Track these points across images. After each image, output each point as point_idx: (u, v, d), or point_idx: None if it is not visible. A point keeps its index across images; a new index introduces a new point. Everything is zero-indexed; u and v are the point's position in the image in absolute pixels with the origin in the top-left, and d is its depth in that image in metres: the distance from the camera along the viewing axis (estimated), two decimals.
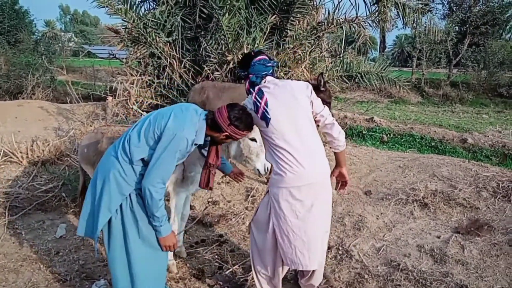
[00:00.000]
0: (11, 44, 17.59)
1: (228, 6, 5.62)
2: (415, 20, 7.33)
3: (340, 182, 3.05)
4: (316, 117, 2.79)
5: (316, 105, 2.79)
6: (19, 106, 7.50)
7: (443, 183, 4.90)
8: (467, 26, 22.46)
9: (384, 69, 6.99)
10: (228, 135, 2.61)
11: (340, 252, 3.90)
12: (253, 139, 3.17)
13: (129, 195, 2.58)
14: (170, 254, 3.65)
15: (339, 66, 7.07)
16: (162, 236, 2.61)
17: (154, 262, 2.69)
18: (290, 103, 2.72)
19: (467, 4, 22.60)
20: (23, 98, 9.30)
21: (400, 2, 6.74)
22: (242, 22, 6.02)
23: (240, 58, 5.82)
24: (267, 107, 2.65)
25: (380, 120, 9.05)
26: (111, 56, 7.24)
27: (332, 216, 3.69)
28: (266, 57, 2.84)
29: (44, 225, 4.41)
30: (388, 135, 8.26)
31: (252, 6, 6.25)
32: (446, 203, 4.50)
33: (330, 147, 2.92)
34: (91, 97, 7.92)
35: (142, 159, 2.56)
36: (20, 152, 5.83)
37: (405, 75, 7.57)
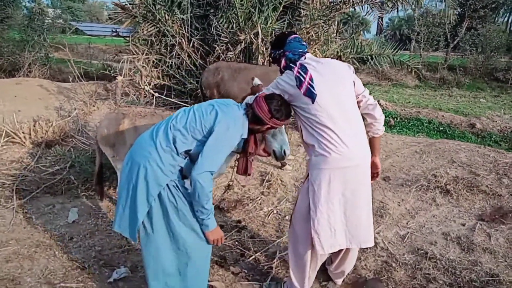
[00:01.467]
0: (1, 20, 16.96)
1: None
2: (419, 2, 7.14)
3: (372, 173, 2.87)
4: (358, 97, 2.69)
5: (358, 85, 2.70)
6: (17, 84, 7.19)
7: (463, 169, 4.82)
8: (465, 9, 22.28)
9: (396, 52, 6.82)
10: (270, 126, 2.59)
11: None
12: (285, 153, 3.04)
13: (167, 185, 2.46)
14: None
15: (350, 48, 6.89)
16: (209, 230, 2.50)
17: (201, 251, 2.60)
18: (335, 81, 2.60)
19: None
20: (19, 76, 8.95)
21: None
22: (255, 1, 5.79)
23: (251, 37, 5.64)
24: (312, 82, 2.52)
25: (386, 104, 8.93)
26: (114, 34, 6.94)
27: None
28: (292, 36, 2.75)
29: (54, 209, 4.24)
30: (395, 119, 8.15)
31: None
32: (468, 190, 4.42)
33: (368, 132, 2.79)
34: (94, 75, 7.61)
35: (186, 151, 2.46)
36: (23, 133, 5.59)
37: (413, 57, 7.40)
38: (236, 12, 5.60)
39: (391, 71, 17.77)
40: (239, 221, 4.17)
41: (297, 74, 2.56)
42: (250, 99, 2.75)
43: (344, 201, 2.61)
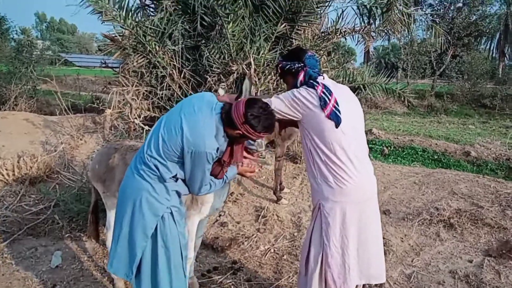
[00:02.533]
0: None
1: (232, 14, 5.32)
2: (401, 31, 7.17)
3: None
4: None
5: None
6: (2, 118, 6.97)
7: (465, 201, 4.67)
8: (450, 37, 22.82)
9: (389, 80, 6.77)
10: (242, 134, 2.26)
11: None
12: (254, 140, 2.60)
13: (162, 216, 2.35)
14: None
15: (342, 77, 6.83)
16: (236, 174, 2.63)
17: None
18: (353, 108, 2.51)
19: (450, 15, 22.97)
20: (5, 110, 8.72)
21: (405, 12, 6.57)
22: (246, 30, 5.72)
23: (244, 68, 5.54)
24: (338, 106, 2.37)
25: (378, 132, 8.86)
26: (103, 65, 6.81)
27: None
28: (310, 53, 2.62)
29: (37, 253, 3.95)
30: (389, 148, 8.07)
31: (256, 14, 5.96)
32: (472, 223, 4.26)
33: None
34: (79, 108, 7.43)
35: (173, 176, 2.34)
36: (6, 169, 5.33)
37: (405, 86, 7.40)
38: (227, 43, 5.51)
39: (380, 99, 17.94)
40: (234, 262, 3.93)
41: (322, 95, 2.39)
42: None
43: (358, 236, 2.48)
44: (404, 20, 6.49)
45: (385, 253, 3.86)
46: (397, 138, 8.64)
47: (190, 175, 2.32)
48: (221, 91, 2.96)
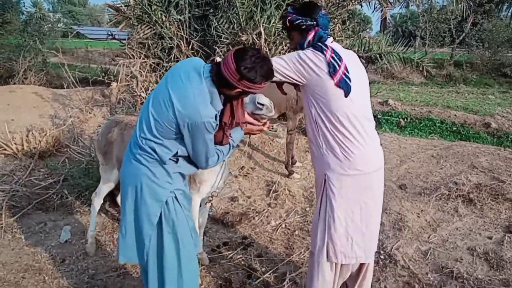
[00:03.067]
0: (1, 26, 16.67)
1: None
2: None
3: None
4: None
5: None
6: (11, 92, 6.91)
7: (485, 175, 4.48)
8: (470, 3, 21.86)
9: (406, 49, 6.47)
10: (242, 91, 2.06)
11: (382, 257, 3.48)
12: (261, 104, 2.40)
13: (166, 201, 2.21)
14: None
15: (357, 46, 6.54)
16: (243, 135, 2.46)
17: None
18: (362, 76, 2.33)
19: None
20: (14, 83, 8.66)
21: None
22: None
23: (254, 38, 5.30)
24: (348, 73, 2.19)
25: (395, 103, 8.58)
26: (110, 37, 6.63)
27: None
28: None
29: (46, 228, 3.93)
30: (405, 120, 7.81)
31: None
32: (493, 198, 4.09)
33: None
34: (89, 81, 7.31)
35: (174, 155, 2.17)
36: (15, 144, 5.30)
37: (423, 55, 7.09)
38: (237, 12, 5.26)
39: (396, 69, 17.41)
40: (244, 238, 3.85)
41: (331, 60, 2.18)
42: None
43: (366, 210, 2.35)
44: None
45: (400, 230, 3.76)
46: (414, 109, 8.36)
47: (192, 149, 2.14)
48: (218, 59, 2.77)
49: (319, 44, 2.26)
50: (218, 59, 2.72)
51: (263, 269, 3.40)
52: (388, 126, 7.64)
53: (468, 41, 20.65)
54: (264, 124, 2.50)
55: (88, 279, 3.24)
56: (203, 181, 2.98)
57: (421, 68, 6.67)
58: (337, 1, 6.18)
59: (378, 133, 6.05)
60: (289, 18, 2.33)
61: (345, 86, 2.19)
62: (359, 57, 3.92)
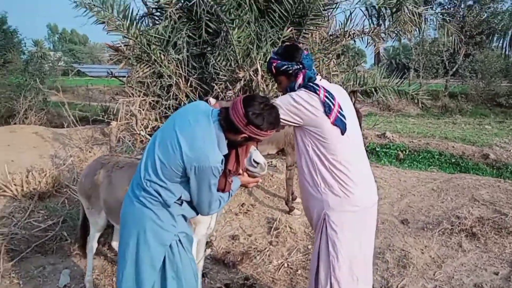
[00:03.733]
0: (1, 66, 16.97)
1: (237, 19, 5.19)
2: (412, 31, 6.97)
3: None
4: None
5: None
6: (11, 132, 6.94)
7: (487, 208, 4.45)
8: (461, 36, 22.40)
9: (401, 83, 6.58)
10: (248, 137, 2.07)
11: None
12: (257, 162, 2.37)
13: (170, 245, 2.17)
14: None
15: (352, 80, 6.65)
16: (240, 185, 2.39)
17: None
18: (352, 110, 2.37)
19: (461, 14, 22.58)
20: (15, 123, 8.72)
21: (415, 12, 6.37)
22: (252, 36, 5.59)
23: (251, 74, 5.39)
24: (342, 111, 2.24)
25: (392, 136, 8.63)
26: (110, 76, 6.74)
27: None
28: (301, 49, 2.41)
29: (44, 272, 3.86)
30: (404, 152, 7.84)
31: (262, 19, 5.84)
32: (496, 232, 4.05)
33: None
34: (89, 120, 7.37)
35: (179, 199, 2.16)
36: (15, 185, 5.26)
37: (418, 87, 7.19)
38: (233, 49, 5.38)
39: (392, 101, 17.63)
40: (246, 278, 3.77)
41: (325, 100, 2.22)
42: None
43: (364, 244, 2.38)
44: (414, 20, 6.30)
45: (404, 267, 3.71)
46: (412, 142, 8.40)
47: (197, 194, 2.13)
48: (212, 101, 2.81)
49: (311, 84, 2.30)
50: (212, 100, 2.76)
51: None
52: (387, 159, 7.66)
53: (461, 72, 21.03)
54: (257, 180, 2.52)
55: None
56: (199, 223, 2.96)
57: (416, 101, 6.75)
58: (331, 37, 6.34)
59: (377, 167, 6.06)
60: (274, 64, 2.35)
61: (341, 124, 2.23)
62: (354, 91, 3.97)
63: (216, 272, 3.91)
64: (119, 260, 2.26)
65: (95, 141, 6.66)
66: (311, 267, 2.49)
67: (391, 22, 6.09)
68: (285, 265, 3.95)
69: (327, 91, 2.27)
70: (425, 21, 6.85)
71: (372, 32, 6.04)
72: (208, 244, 4.33)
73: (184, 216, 2.25)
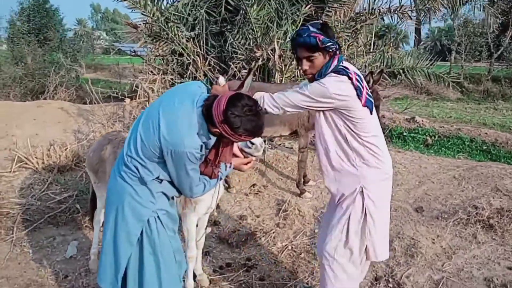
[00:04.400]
0: (41, 43, 17.55)
1: None
2: (455, 11, 6.56)
3: None
4: None
5: None
6: (38, 107, 7.15)
7: (509, 199, 4.17)
8: (509, 17, 20.99)
9: (431, 64, 6.24)
10: (220, 134, 2.01)
11: (391, 285, 3.29)
12: (252, 143, 2.36)
13: (148, 221, 2.16)
14: (191, 285, 3.16)
15: (379, 62, 6.38)
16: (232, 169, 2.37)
17: None
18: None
19: None
20: (45, 98, 9.02)
21: None
22: (272, 14, 5.43)
23: (269, 53, 5.24)
24: (368, 91, 2.33)
25: (422, 120, 8.25)
26: (133, 54, 6.79)
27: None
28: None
29: (54, 242, 3.98)
30: (433, 137, 7.49)
31: None
32: None
33: None
34: (111, 97, 7.48)
35: (157, 178, 2.13)
36: (36, 158, 5.44)
37: (443, 69, 6.79)
38: (252, 27, 5.25)
39: (430, 84, 16.91)
40: (248, 259, 3.74)
41: (357, 84, 2.25)
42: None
43: (388, 210, 2.63)
44: None
45: (412, 256, 3.56)
46: (443, 127, 8.00)
47: (176, 177, 2.11)
48: (221, 80, 2.71)
49: (342, 68, 2.28)
50: (222, 80, 2.68)
51: None
52: (414, 144, 7.35)
53: (506, 56, 19.78)
54: (251, 160, 2.46)
55: None
56: (199, 201, 2.95)
57: (447, 84, 6.40)
58: (357, 15, 6.06)
59: (398, 152, 5.82)
60: (320, 38, 2.20)
61: (370, 105, 2.31)
62: (373, 72, 3.80)
63: (220, 251, 3.91)
64: (103, 233, 2.29)
65: (117, 118, 6.76)
66: (337, 249, 2.51)
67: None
68: (289, 247, 3.89)
69: (356, 74, 2.29)
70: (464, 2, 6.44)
71: (399, 10, 5.71)
72: (216, 222, 4.33)
73: (165, 194, 2.22)
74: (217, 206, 4.63)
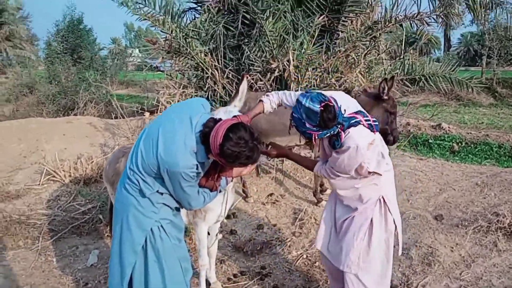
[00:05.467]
0: (75, 61, 18.26)
1: (271, 9, 5.11)
2: (484, 15, 6.41)
3: None
4: None
5: None
6: (68, 122, 7.49)
7: None
8: None
9: (453, 70, 6.10)
10: (217, 161, 2.12)
11: None
12: None
13: (151, 230, 2.23)
14: None
15: (399, 69, 6.30)
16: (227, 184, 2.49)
17: None
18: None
19: None
20: (75, 114, 9.41)
21: None
22: (288, 26, 5.49)
23: (284, 64, 5.29)
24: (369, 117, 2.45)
25: (448, 127, 8.05)
26: (156, 69, 7.02)
27: (394, 247, 3.10)
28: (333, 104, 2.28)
29: (76, 251, 4.14)
30: (459, 144, 7.29)
31: (299, 8, 5.71)
32: None
33: None
34: (137, 111, 7.73)
35: (158, 191, 2.21)
36: (63, 171, 5.69)
37: (474, 75, 6.58)
38: (268, 39, 5.32)
39: (461, 90, 16.44)
40: (263, 267, 3.76)
41: (367, 125, 2.36)
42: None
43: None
44: (468, 2, 5.81)
45: (429, 264, 3.47)
46: (470, 133, 7.77)
47: (173, 192, 2.20)
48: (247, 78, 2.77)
49: (353, 120, 2.31)
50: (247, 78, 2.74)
51: None
52: (440, 151, 7.18)
53: None
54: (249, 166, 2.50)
55: None
56: (209, 210, 3.01)
57: (470, 89, 6.25)
58: (375, 24, 6.02)
59: (421, 159, 5.69)
60: (316, 136, 2.25)
61: (376, 127, 2.43)
62: (386, 79, 3.79)
63: (235, 259, 3.95)
64: (112, 243, 2.38)
65: (140, 131, 6.96)
66: (362, 257, 2.55)
67: (436, 6, 5.63)
68: (304, 256, 3.88)
69: (363, 114, 2.38)
70: (481, 4, 6.30)
71: (415, 17, 5.64)
72: (232, 231, 4.38)
73: (167, 205, 2.29)
74: (234, 216, 4.69)
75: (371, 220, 2.51)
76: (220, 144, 1.98)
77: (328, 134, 2.25)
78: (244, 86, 2.60)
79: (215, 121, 2.08)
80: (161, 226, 2.25)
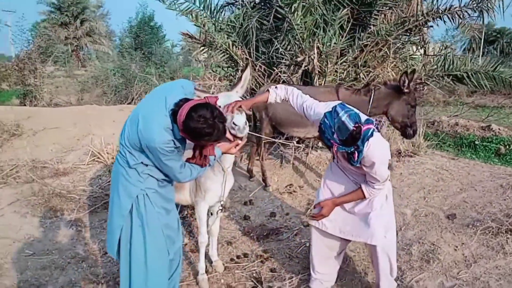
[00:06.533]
0: (146, 57, 19.36)
1: (299, 2, 5.18)
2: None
3: None
4: None
5: None
6: (120, 110, 8.10)
7: None
8: None
9: (495, 67, 5.76)
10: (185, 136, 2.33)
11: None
12: (235, 124, 2.61)
13: (137, 197, 2.51)
14: (202, 268, 3.45)
15: (438, 65, 6.05)
16: (221, 154, 2.70)
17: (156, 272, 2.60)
18: None
19: None
20: (128, 103, 10.11)
21: None
22: (318, 20, 5.53)
23: (310, 58, 5.34)
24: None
25: (499, 129, 7.56)
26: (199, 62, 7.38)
27: (397, 243, 3.14)
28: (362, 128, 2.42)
29: (104, 224, 4.55)
30: (507, 147, 6.84)
31: (331, 2, 5.71)
32: None
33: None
34: None
35: (143, 163, 2.47)
36: (107, 153, 6.22)
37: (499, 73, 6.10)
38: (296, 33, 5.41)
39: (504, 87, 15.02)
40: (265, 251, 3.93)
41: (375, 127, 2.51)
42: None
43: None
44: None
45: (428, 261, 3.46)
46: None
47: (158, 165, 2.44)
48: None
49: (369, 132, 2.42)
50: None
51: (269, 284, 3.44)
52: (485, 153, 6.79)
53: None
54: (237, 143, 2.72)
55: (116, 270, 3.69)
56: (208, 190, 3.23)
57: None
58: (411, 18, 5.85)
59: (452, 159, 5.51)
60: (335, 148, 2.43)
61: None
62: (406, 72, 3.83)
63: (242, 242, 4.15)
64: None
65: None
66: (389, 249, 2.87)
67: None
68: (307, 244, 3.97)
69: (370, 121, 2.50)
70: None
71: (448, 10, 5.41)
72: (245, 217, 4.57)
73: (152, 176, 2.54)
74: (251, 202, 4.88)
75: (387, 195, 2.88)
76: (183, 121, 2.20)
77: (344, 150, 2.45)
78: (247, 73, 2.80)
79: (186, 100, 2.30)
80: (146, 194, 2.51)
